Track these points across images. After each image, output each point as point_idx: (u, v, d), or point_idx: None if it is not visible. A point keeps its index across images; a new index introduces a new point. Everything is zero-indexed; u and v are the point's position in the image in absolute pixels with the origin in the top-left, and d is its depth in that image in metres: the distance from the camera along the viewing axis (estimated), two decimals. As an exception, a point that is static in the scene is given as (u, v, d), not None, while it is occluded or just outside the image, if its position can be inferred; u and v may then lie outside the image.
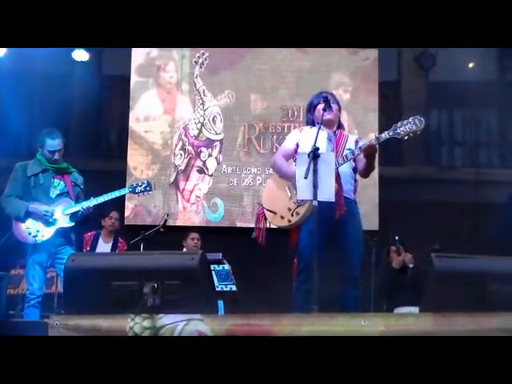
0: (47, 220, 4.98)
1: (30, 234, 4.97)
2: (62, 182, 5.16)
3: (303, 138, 4.39)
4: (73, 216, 5.08)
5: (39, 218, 5.00)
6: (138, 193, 5.49)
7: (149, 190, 5.53)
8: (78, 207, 5.08)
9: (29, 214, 5.01)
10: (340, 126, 4.57)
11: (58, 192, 5.12)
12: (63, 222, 5.06)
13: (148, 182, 5.53)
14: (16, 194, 5.07)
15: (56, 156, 5.15)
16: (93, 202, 5.13)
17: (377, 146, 4.14)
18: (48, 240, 4.99)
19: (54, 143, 5.15)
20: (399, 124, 4.02)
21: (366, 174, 4.42)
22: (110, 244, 6.85)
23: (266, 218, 4.40)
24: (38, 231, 4.98)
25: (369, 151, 4.14)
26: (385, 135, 4.07)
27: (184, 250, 6.99)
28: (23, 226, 5.01)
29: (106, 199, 5.24)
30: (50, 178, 5.14)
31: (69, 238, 5.14)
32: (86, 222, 5.29)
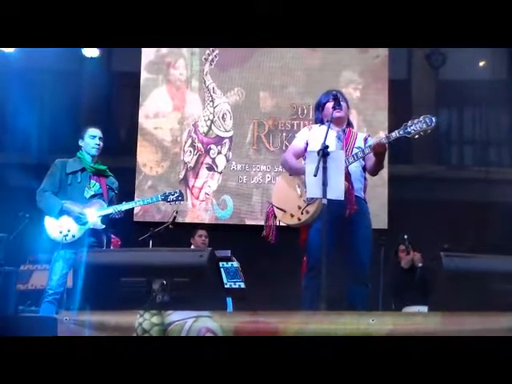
0: (79, 220, 5.01)
1: (61, 232, 4.98)
2: (97, 184, 5.18)
3: (312, 136, 4.39)
4: (104, 218, 5.11)
5: (72, 218, 5.02)
6: (169, 201, 5.48)
7: (181, 200, 5.54)
8: (110, 210, 5.10)
9: (62, 213, 5.02)
10: (349, 124, 4.56)
11: (92, 193, 5.14)
12: (95, 223, 5.08)
13: (180, 191, 5.52)
14: (52, 190, 5.09)
15: (95, 152, 5.22)
16: (125, 206, 5.17)
17: (386, 144, 4.13)
18: (77, 240, 5.02)
19: (93, 142, 5.22)
20: (409, 123, 4.00)
21: (374, 172, 4.41)
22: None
23: (275, 216, 4.40)
24: (68, 230, 4.99)
25: (378, 150, 4.13)
26: (395, 134, 4.05)
27: (192, 247, 7.00)
28: (55, 223, 5.02)
29: (137, 205, 5.28)
30: (88, 177, 5.16)
31: (100, 238, 5.15)
32: (115, 225, 5.29)
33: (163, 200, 5.46)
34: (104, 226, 5.12)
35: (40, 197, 5.12)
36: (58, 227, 5.01)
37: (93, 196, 5.15)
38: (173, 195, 5.43)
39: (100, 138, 5.24)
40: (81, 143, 5.26)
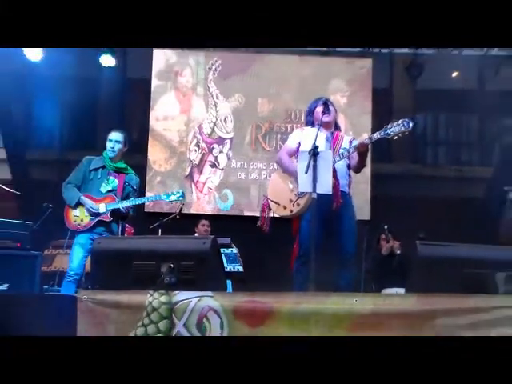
0: (91, 212, 5.06)
1: (75, 221, 5.08)
2: (116, 180, 5.21)
3: (304, 137, 4.38)
4: (113, 212, 5.12)
5: (86, 209, 5.07)
6: (171, 201, 5.50)
7: (182, 200, 5.54)
8: (118, 205, 5.12)
9: (78, 204, 5.09)
10: (337, 128, 4.56)
11: (109, 188, 5.17)
12: (104, 215, 5.10)
13: (182, 192, 5.47)
14: (75, 183, 5.16)
15: (111, 154, 5.23)
16: (132, 202, 5.19)
17: (369, 145, 4.14)
18: (89, 229, 5.07)
19: (109, 145, 5.25)
20: (389, 125, 4.01)
21: (358, 169, 4.42)
22: (119, 229, 6.80)
23: (270, 209, 4.40)
24: (81, 220, 5.07)
25: (362, 149, 4.14)
26: (377, 135, 4.06)
27: (196, 235, 6.99)
28: (72, 212, 5.10)
29: (143, 201, 5.30)
30: (106, 174, 5.20)
31: (110, 228, 5.17)
32: (126, 217, 5.29)
33: (165, 199, 5.42)
34: (112, 219, 5.14)
35: (64, 188, 5.19)
36: (73, 216, 5.09)
37: (110, 191, 5.17)
38: (175, 195, 5.37)
39: (116, 141, 5.24)
40: (106, 145, 5.29)
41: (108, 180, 5.21)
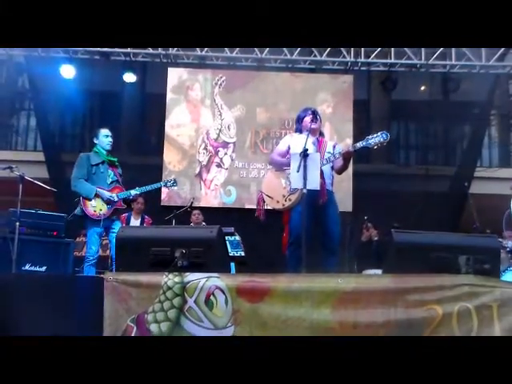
0: (109, 202, 4.98)
1: (95, 211, 4.95)
2: (112, 173, 5.14)
3: (293, 141, 4.37)
4: (124, 200, 5.09)
5: (102, 199, 4.98)
6: (168, 187, 5.61)
7: (175, 186, 5.63)
8: (128, 193, 5.08)
9: (95, 196, 4.97)
10: (321, 134, 4.54)
11: (111, 180, 5.10)
12: (118, 203, 5.05)
13: (175, 179, 5.59)
14: (83, 178, 5.01)
15: (108, 148, 5.15)
16: (139, 190, 5.15)
17: (353, 152, 4.13)
18: (107, 217, 5.00)
19: (107, 140, 5.15)
20: (370, 136, 4.00)
21: (341, 172, 4.38)
22: (139, 220, 6.73)
23: (264, 201, 4.37)
24: (100, 210, 4.97)
25: (347, 156, 4.15)
26: (359, 144, 4.05)
27: (191, 223, 6.91)
28: (89, 203, 4.96)
29: (147, 190, 5.29)
30: (107, 168, 5.11)
31: (120, 214, 5.15)
32: (129, 205, 5.29)
33: (164, 186, 5.57)
34: (126, 206, 5.11)
35: (75, 182, 5.00)
36: (92, 207, 4.96)
37: (112, 182, 5.10)
38: (170, 182, 5.53)
39: (111, 136, 5.17)
40: (96, 141, 5.17)
41: (109, 172, 5.11)
